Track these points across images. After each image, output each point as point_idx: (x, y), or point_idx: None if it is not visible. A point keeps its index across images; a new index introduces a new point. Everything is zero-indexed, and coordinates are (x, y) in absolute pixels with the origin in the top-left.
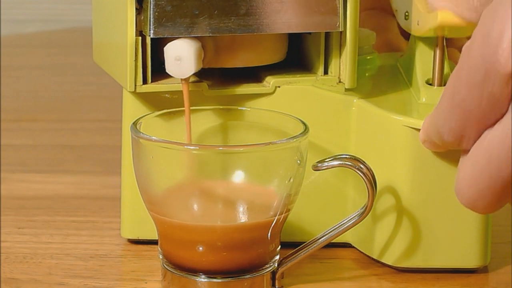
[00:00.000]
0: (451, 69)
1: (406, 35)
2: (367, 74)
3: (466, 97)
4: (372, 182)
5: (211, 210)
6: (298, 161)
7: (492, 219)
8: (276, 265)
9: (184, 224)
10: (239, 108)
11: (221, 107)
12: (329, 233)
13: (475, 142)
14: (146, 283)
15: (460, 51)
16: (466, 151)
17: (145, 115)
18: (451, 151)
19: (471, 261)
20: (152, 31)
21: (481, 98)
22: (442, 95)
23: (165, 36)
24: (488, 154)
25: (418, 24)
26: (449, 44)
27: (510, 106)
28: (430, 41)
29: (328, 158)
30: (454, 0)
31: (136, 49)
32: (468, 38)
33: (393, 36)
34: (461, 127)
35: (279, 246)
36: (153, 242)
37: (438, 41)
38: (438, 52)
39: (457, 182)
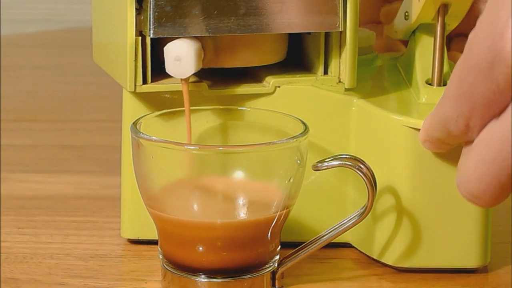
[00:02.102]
0: (451, 69)
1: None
2: (367, 74)
3: (473, 84)
4: (372, 182)
5: (211, 206)
6: (298, 161)
7: (492, 219)
8: (276, 265)
9: (183, 221)
10: (239, 108)
11: (221, 107)
12: (329, 233)
13: (479, 132)
14: (146, 283)
15: (461, 52)
16: (469, 143)
17: (145, 115)
18: (451, 151)
19: (471, 261)
20: (152, 31)
21: (487, 86)
22: (449, 83)
23: (165, 36)
24: (491, 147)
25: (406, 18)
26: (449, 48)
27: None
28: (430, 41)
29: (328, 158)
30: None
31: (136, 49)
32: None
33: (391, 41)
34: (468, 114)
35: (279, 246)
36: (153, 242)
37: (437, 41)
38: (437, 52)
39: (460, 175)
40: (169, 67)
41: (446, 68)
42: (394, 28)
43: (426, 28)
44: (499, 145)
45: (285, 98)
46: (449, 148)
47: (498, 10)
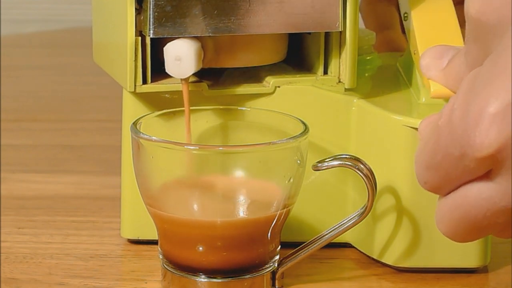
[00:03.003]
0: None
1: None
2: (367, 74)
3: (443, 163)
4: (372, 182)
5: (211, 205)
6: (298, 161)
7: None
8: (276, 265)
9: (184, 219)
10: (239, 108)
11: (221, 107)
12: (329, 233)
13: (448, 192)
14: (146, 283)
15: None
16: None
17: (145, 115)
18: None
19: (471, 261)
20: (152, 31)
21: (458, 167)
22: (423, 146)
23: (165, 36)
24: (465, 210)
25: (405, 19)
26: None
27: (494, 175)
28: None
29: (328, 158)
30: (445, 73)
31: (136, 49)
32: None
33: (394, 35)
34: (436, 183)
35: (279, 246)
36: (153, 242)
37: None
38: None
39: (437, 217)
40: (169, 67)
41: None
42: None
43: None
44: (475, 204)
45: (285, 98)
46: None
47: (471, 101)
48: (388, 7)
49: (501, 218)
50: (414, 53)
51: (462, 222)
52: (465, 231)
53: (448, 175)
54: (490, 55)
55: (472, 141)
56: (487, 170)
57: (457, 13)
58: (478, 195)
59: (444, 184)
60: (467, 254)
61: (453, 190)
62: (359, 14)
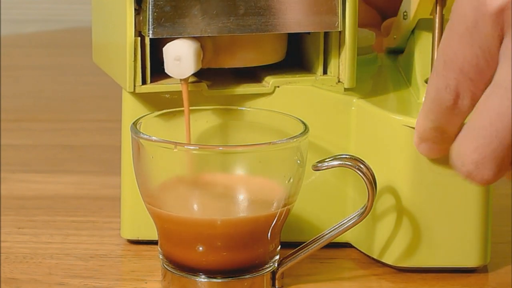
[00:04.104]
0: None
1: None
2: (367, 74)
3: (458, 50)
4: (372, 182)
5: (211, 204)
6: (298, 161)
7: (492, 219)
8: (276, 265)
9: (184, 218)
10: (239, 108)
11: (221, 107)
12: (329, 233)
13: (472, 100)
14: (146, 283)
15: None
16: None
17: (145, 115)
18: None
19: (471, 261)
20: (151, 32)
21: (471, 50)
22: (436, 58)
23: (164, 37)
24: (488, 120)
25: (405, 18)
26: None
27: (502, 58)
28: (429, 41)
29: (328, 158)
30: None
31: (135, 49)
32: None
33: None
34: (455, 82)
35: (279, 246)
36: (153, 242)
37: (437, 39)
38: (437, 49)
39: (456, 149)
40: (168, 67)
41: None
42: (391, 35)
43: (425, 27)
44: (494, 121)
45: (285, 98)
46: (444, 151)
47: None
48: (367, 7)
49: None
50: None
51: (487, 139)
52: (492, 154)
53: (463, 67)
54: None
55: (484, 8)
56: (498, 48)
57: None
58: (498, 93)
59: (463, 83)
60: (467, 254)
61: (472, 98)
62: None
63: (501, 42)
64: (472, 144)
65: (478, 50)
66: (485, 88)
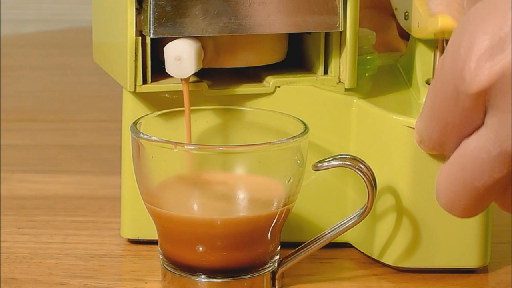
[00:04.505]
0: None
1: (405, 35)
2: (367, 74)
3: (442, 110)
4: (372, 182)
5: (211, 203)
6: (298, 161)
7: (492, 219)
8: (276, 265)
9: (184, 217)
10: (239, 108)
11: (221, 107)
12: (329, 233)
13: (455, 149)
14: (146, 283)
15: None
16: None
17: (145, 115)
18: None
19: (471, 261)
20: (152, 31)
21: (455, 111)
22: (424, 104)
23: (165, 36)
24: (462, 163)
25: (418, 26)
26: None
27: (486, 119)
28: (430, 42)
29: (328, 158)
30: (452, 4)
31: (136, 49)
32: None
33: (391, 37)
34: (440, 136)
35: (279, 246)
36: (153, 242)
37: (438, 42)
38: (438, 52)
39: (436, 184)
40: (169, 67)
41: None
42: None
43: None
44: (468, 164)
45: (285, 98)
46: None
47: (461, 39)
48: (380, 13)
49: (497, 170)
50: (396, 9)
51: (460, 182)
52: (464, 195)
53: (448, 124)
54: None
55: (465, 75)
56: (482, 114)
57: None
58: (475, 145)
59: (446, 137)
60: (467, 254)
61: (456, 148)
62: None
63: (484, 111)
64: (447, 185)
65: (459, 110)
66: (470, 134)
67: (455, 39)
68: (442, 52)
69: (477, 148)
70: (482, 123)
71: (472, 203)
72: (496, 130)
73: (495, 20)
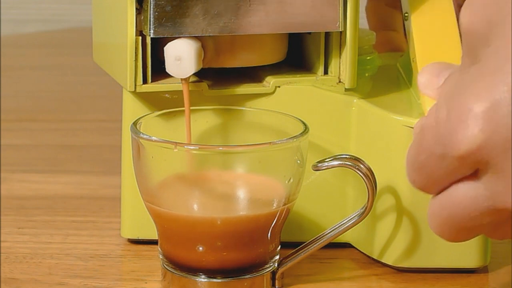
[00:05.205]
0: None
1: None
2: (367, 74)
3: (426, 163)
4: (372, 182)
5: (211, 203)
6: (298, 161)
7: None
8: (276, 265)
9: (184, 217)
10: (239, 108)
11: (221, 107)
12: (329, 233)
13: (438, 192)
14: (146, 283)
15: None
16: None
17: (145, 115)
18: None
19: (471, 261)
20: (152, 31)
21: (440, 167)
22: (410, 146)
23: (165, 36)
24: (450, 209)
25: (406, 19)
26: None
27: (479, 173)
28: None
29: (328, 158)
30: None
31: (136, 49)
32: None
33: (395, 35)
34: (423, 184)
35: (279, 246)
36: (153, 242)
37: None
38: None
39: (428, 216)
40: (169, 67)
41: None
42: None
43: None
44: (460, 205)
45: (285, 98)
46: None
47: (455, 100)
48: (390, 8)
49: (487, 219)
50: (413, 61)
51: (450, 222)
52: (454, 231)
53: (432, 175)
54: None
55: (454, 139)
56: (472, 170)
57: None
58: (463, 194)
59: (430, 184)
60: (467, 254)
61: (442, 190)
62: (361, 14)
63: (473, 167)
64: (436, 222)
65: (446, 167)
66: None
67: (444, 101)
68: None
69: (467, 198)
70: (470, 175)
71: (464, 237)
72: (491, 188)
73: (489, 83)
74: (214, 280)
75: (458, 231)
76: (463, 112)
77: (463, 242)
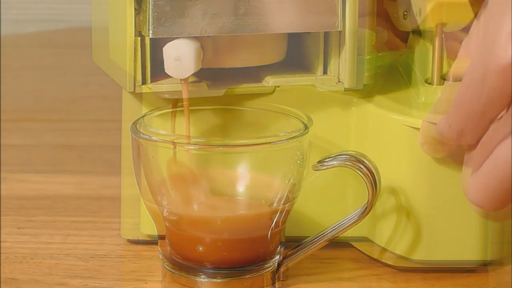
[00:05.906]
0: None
1: (403, 36)
2: (367, 74)
3: (466, 95)
4: (372, 182)
5: (211, 202)
6: (299, 161)
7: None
8: (276, 265)
9: (184, 216)
10: (239, 108)
11: (221, 107)
12: (329, 232)
13: (476, 136)
14: (146, 283)
15: (459, 43)
16: (470, 149)
17: (145, 115)
18: (450, 152)
19: (471, 261)
20: (151, 31)
21: (480, 95)
22: (438, 99)
23: (164, 36)
24: (495, 161)
25: (419, 15)
26: (447, 38)
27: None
28: (429, 41)
29: (328, 158)
30: None
31: (136, 49)
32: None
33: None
34: (460, 124)
35: (279, 246)
36: (153, 242)
37: (437, 42)
38: (437, 51)
39: (465, 182)
40: (168, 67)
41: (445, 67)
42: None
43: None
44: (500, 163)
45: (285, 98)
46: (448, 151)
47: (488, 24)
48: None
49: None
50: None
51: (498, 186)
52: (502, 196)
53: (471, 110)
54: None
55: (493, 55)
56: (507, 98)
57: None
58: (507, 150)
59: (467, 124)
60: (468, 254)
61: (478, 138)
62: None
63: (508, 98)
64: (478, 183)
65: (485, 100)
66: (489, 126)
67: (482, 26)
68: (441, 51)
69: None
70: (507, 107)
71: (504, 198)
72: None
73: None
74: (214, 280)
75: (506, 196)
76: (497, 33)
77: (463, 242)
